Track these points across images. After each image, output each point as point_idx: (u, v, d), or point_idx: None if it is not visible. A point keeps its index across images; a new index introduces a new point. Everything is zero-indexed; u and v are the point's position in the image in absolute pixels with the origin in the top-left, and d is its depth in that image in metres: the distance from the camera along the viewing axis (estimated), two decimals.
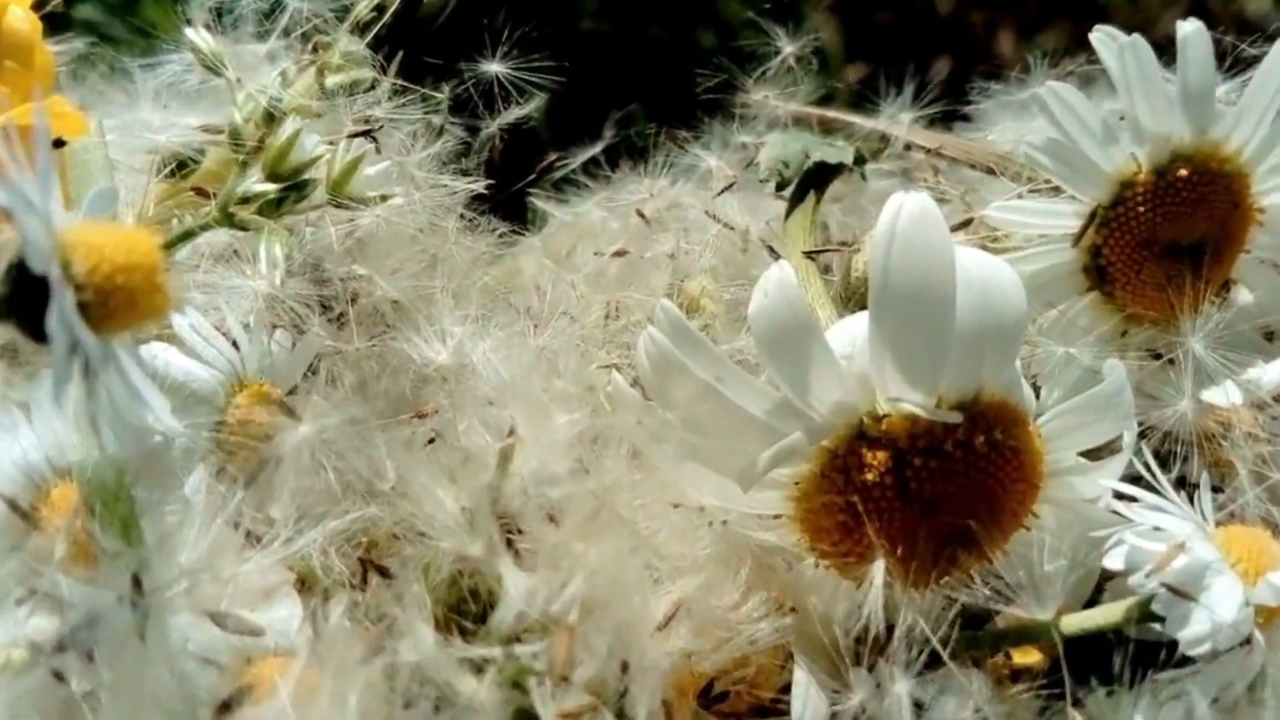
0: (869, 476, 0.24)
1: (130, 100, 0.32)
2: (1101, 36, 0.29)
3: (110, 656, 0.20)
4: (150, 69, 0.33)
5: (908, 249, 0.23)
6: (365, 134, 0.27)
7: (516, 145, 0.34)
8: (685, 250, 0.34)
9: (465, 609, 0.22)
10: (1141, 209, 0.30)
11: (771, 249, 0.33)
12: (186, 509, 0.23)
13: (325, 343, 0.26)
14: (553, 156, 0.35)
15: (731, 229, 0.32)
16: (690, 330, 0.25)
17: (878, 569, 0.23)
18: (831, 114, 0.37)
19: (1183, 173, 0.29)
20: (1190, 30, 0.29)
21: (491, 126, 0.33)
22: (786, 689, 0.25)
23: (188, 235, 0.27)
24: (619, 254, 0.33)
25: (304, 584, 0.23)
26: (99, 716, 0.20)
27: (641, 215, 0.35)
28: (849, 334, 0.25)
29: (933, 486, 0.24)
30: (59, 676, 0.20)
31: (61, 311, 0.17)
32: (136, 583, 0.20)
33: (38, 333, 0.18)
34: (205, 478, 0.23)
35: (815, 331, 0.24)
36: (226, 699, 0.20)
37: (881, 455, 0.24)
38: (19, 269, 0.18)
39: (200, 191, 0.29)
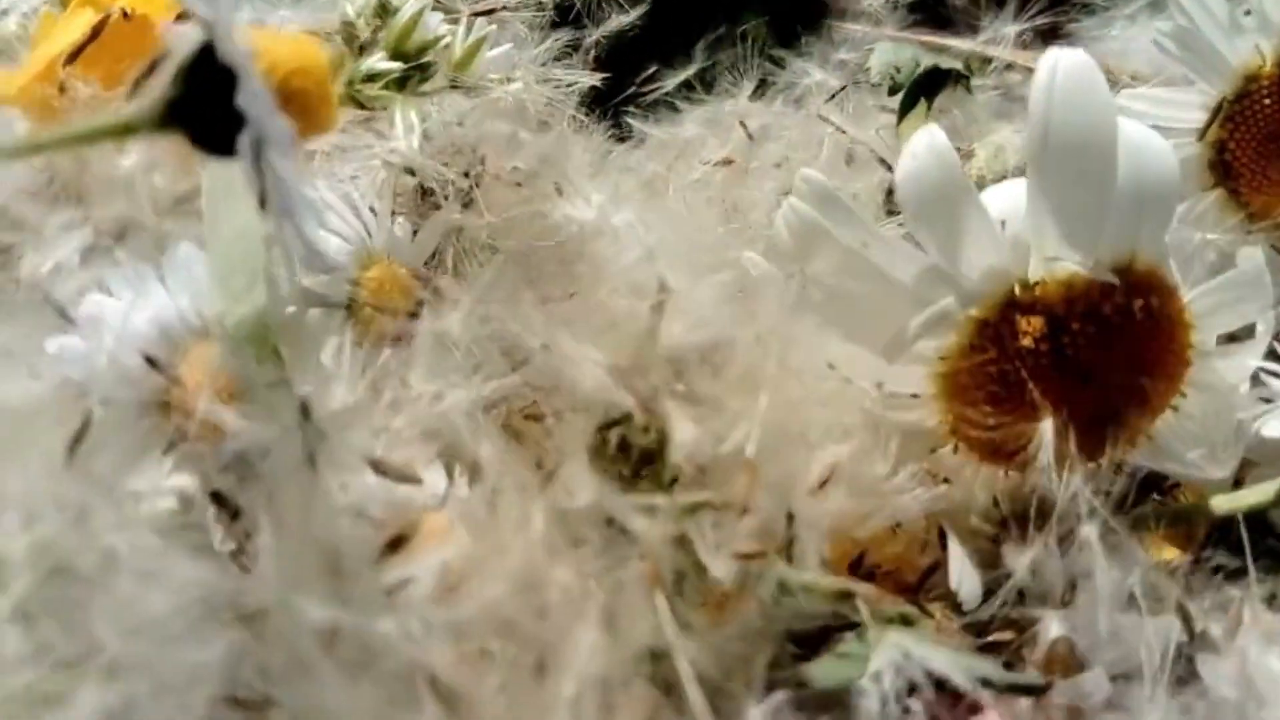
0: (1024, 343, 0.24)
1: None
2: None
3: (276, 490, 0.19)
4: None
5: (1068, 102, 0.23)
6: (489, 13, 0.27)
7: (616, 59, 0.33)
8: (790, 160, 0.33)
9: (618, 465, 0.22)
10: (1267, 102, 0.29)
11: (881, 159, 0.33)
12: (329, 370, 0.22)
13: (455, 218, 0.25)
14: (653, 68, 0.34)
15: (844, 132, 0.32)
16: (836, 196, 0.24)
17: (1047, 428, 0.22)
18: (928, 36, 0.37)
19: None
20: None
21: (595, 33, 0.33)
22: (928, 572, 0.24)
23: None
24: (725, 162, 0.33)
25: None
26: (259, 556, 0.19)
27: (744, 127, 0.34)
28: (995, 202, 0.25)
29: (1090, 354, 0.24)
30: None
31: (255, 98, 0.16)
32: (305, 410, 0.19)
33: (211, 138, 0.18)
34: (348, 341, 0.23)
35: (969, 191, 0.24)
36: (398, 534, 0.19)
37: (1037, 321, 0.24)
38: (194, 68, 0.17)
39: None
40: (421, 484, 0.20)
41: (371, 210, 0.25)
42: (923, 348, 0.24)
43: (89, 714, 0.16)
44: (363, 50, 0.28)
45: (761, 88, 0.36)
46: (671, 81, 0.36)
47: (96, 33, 0.27)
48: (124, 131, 0.18)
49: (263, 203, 0.18)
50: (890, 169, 0.32)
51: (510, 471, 0.19)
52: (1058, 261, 0.23)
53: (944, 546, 0.25)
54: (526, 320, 0.23)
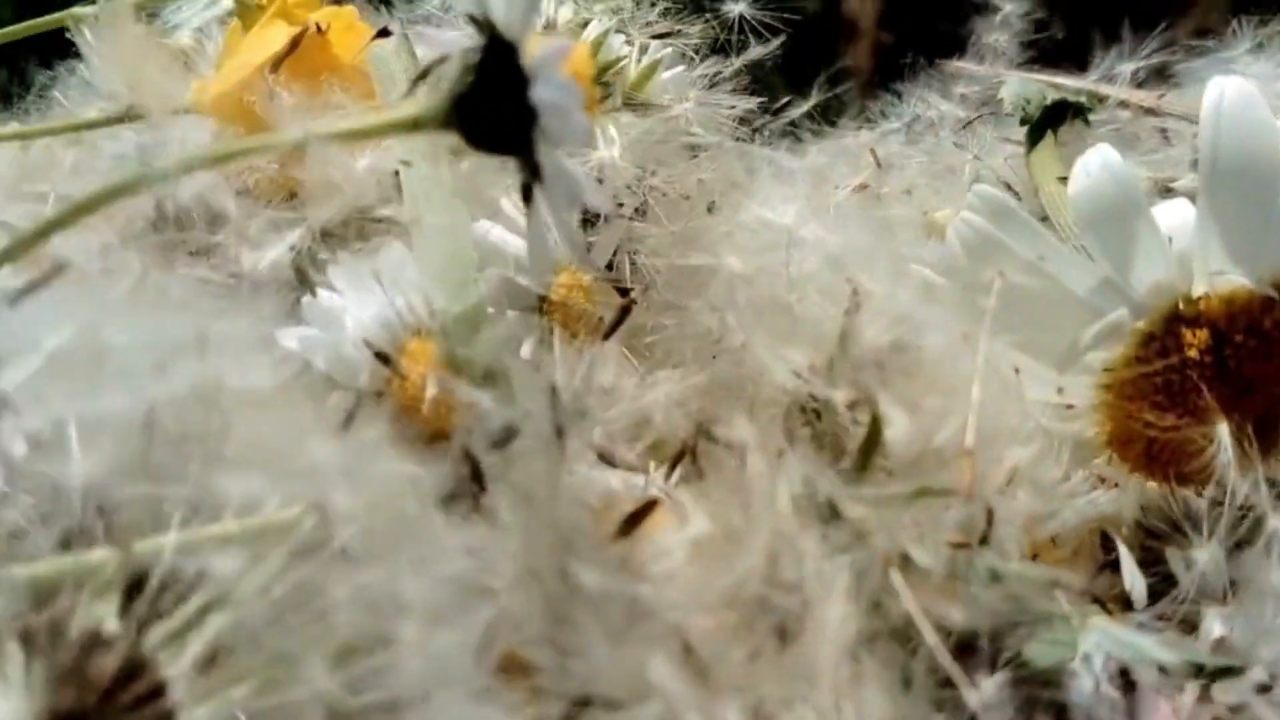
0: (1190, 354, 0.25)
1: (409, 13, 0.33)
2: None
3: (525, 468, 0.20)
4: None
5: (1234, 126, 0.24)
6: (665, 35, 0.28)
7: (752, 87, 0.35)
8: (919, 187, 0.34)
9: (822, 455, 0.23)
10: None
11: (1008, 184, 0.34)
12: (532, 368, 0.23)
13: (634, 225, 0.26)
14: (786, 98, 0.35)
15: (979, 160, 0.33)
16: (1014, 209, 0.25)
17: (1224, 431, 0.24)
18: (1043, 75, 0.38)
19: None
20: None
21: (735, 63, 0.34)
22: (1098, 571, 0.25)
23: None
24: (861, 188, 0.34)
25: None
26: (504, 534, 0.20)
27: (874, 155, 0.35)
28: (1163, 219, 0.26)
29: (1252, 366, 0.25)
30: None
31: (564, 95, 0.17)
32: (554, 394, 0.20)
33: (491, 135, 0.19)
34: (557, 340, 0.24)
35: (1143, 207, 0.25)
36: (634, 512, 0.20)
37: (1202, 334, 0.25)
38: (483, 68, 0.19)
39: None
40: (648, 473, 0.22)
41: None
42: (1089, 359, 0.26)
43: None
44: None
45: (883, 117, 0.38)
46: (797, 111, 0.37)
47: (295, 45, 0.28)
48: (410, 128, 0.19)
49: (527, 197, 0.19)
50: (1017, 195, 0.34)
51: (757, 451, 0.20)
52: (1222, 276, 0.25)
53: (1106, 549, 0.26)
54: (724, 320, 0.24)
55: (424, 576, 0.18)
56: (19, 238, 0.20)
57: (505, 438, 0.20)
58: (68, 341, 0.22)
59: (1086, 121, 0.36)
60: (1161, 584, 0.25)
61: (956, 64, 0.39)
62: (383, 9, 0.34)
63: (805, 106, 0.38)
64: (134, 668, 0.16)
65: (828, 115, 0.39)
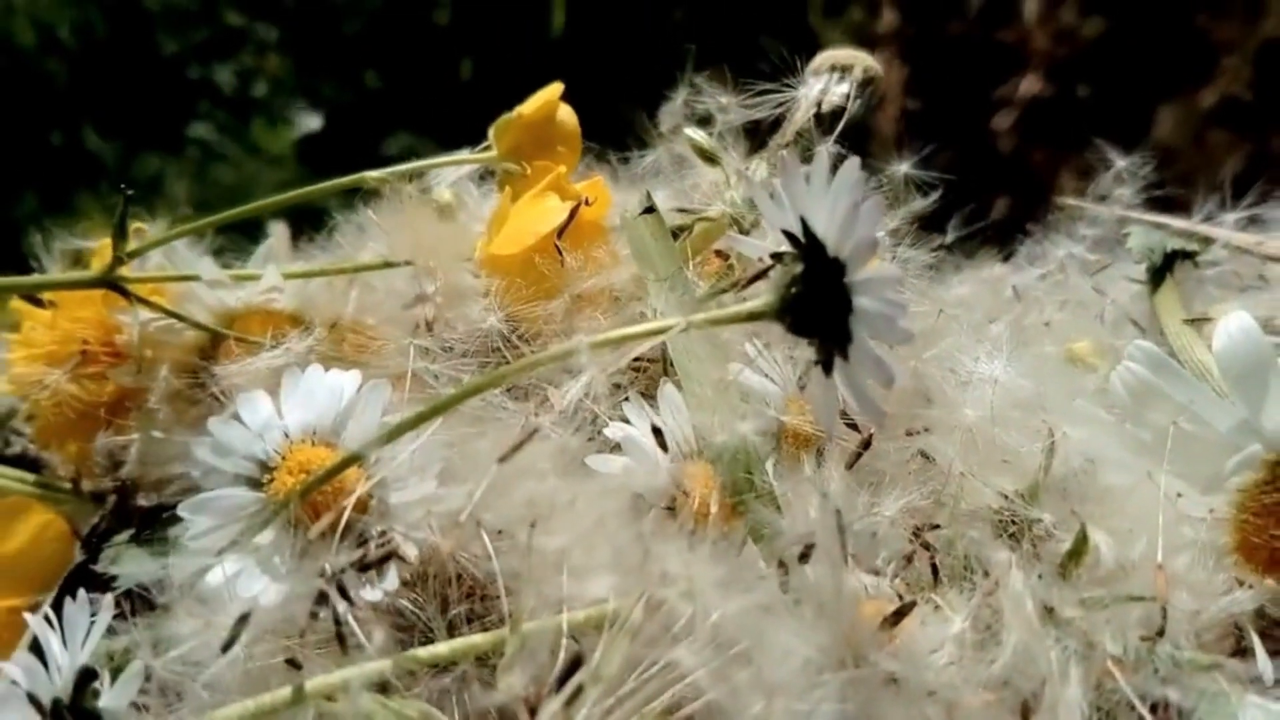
0: None
1: (616, 184, 0.40)
2: None
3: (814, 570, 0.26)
4: (628, 161, 0.41)
5: None
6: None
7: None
8: (1054, 321, 0.41)
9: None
10: None
11: (1134, 320, 0.40)
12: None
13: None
14: (938, 240, 0.42)
15: (1109, 299, 0.39)
16: (1169, 362, 0.32)
17: None
18: (1153, 217, 0.44)
19: None
20: None
21: (901, 213, 0.40)
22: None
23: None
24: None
25: None
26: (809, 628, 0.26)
27: (1014, 291, 0.42)
28: None
29: None
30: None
31: (891, 306, 0.23)
32: (839, 514, 0.26)
33: (811, 330, 0.25)
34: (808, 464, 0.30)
35: (1273, 362, 0.31)
36: (899, 608, 0.26)
37: None
38: (811, 281, 0.25)
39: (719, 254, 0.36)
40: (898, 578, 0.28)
41: None
42: (1230, 484, 0.32)
43: None
44: (745, 232, 0.36)
45: (1016, 256, 0.44)
46: (928, 249, 0.44)
47: (573, 215, 0.35)
48: (751, 318, 0.25)
49: (827, 369, 0.26)
50: (1142, 329, 0.40)
51: (1007, 568, 0.26)
52: None
53: (1239, 639, 0.32)
54: (939, 450, 0.31)
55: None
56: (403, 421, 0.27)
57: (805, 552, 0.26)
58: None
59: (1196, 264, 0.42)
60: None
61: (1077, 203, 0.46)
62: (605, 165, 0.41)
63: (948, 240, 0.44)
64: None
65: (966, 249, 0.45)
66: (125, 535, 0.35)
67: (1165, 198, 0.46)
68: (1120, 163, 0.45)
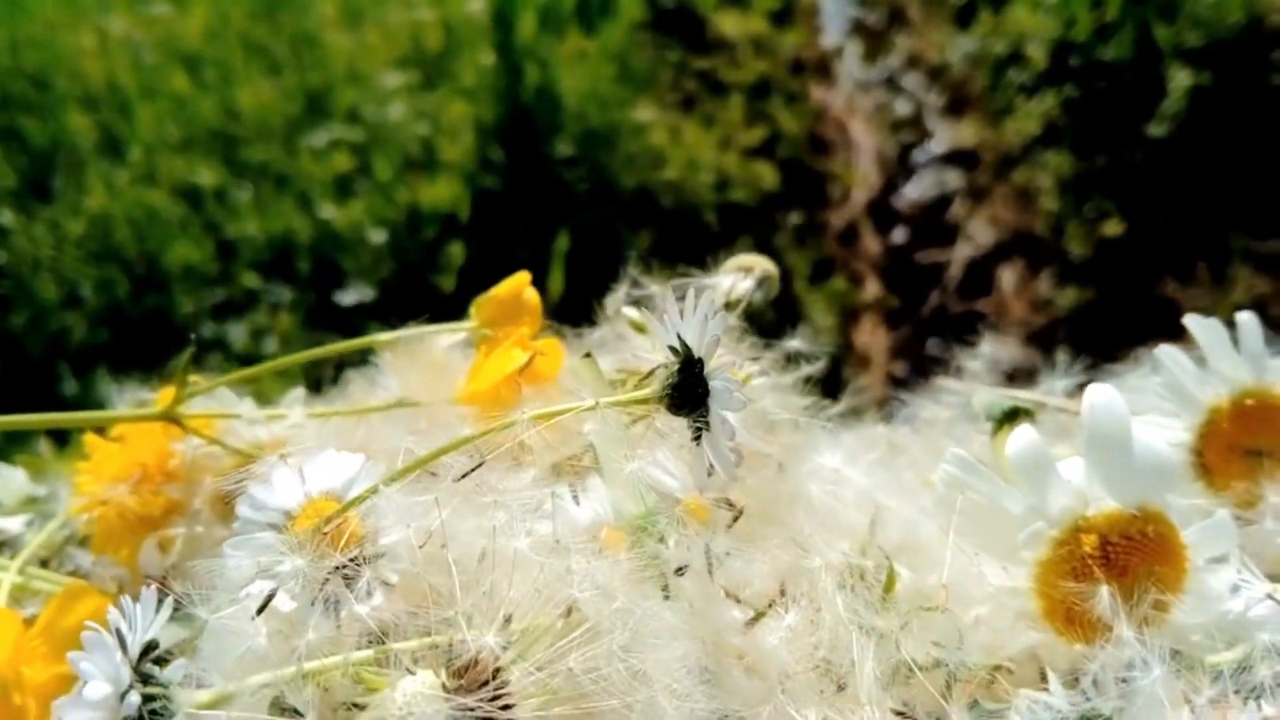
0: (1086, 549, 0.40)
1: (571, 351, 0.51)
2: (1191, 321, 0.48)
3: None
4: (581, 335, 0.52)
5: (1102, 415, 0.41)
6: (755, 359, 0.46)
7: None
8: (919, 463, 0.51)
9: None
10: (1225, 426, 0.47)
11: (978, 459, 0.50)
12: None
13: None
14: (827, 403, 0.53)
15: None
16: (974, 464, 0.42)
17: (1104, 591, 0.39)
18: (1004, 390, 0.55)
19: (1249, 403, 0.47)
20: (1246, 318, 0.48)
21: (789, 380, 0.52)
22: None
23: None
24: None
25: None
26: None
27: (887, 440, 0.52)
28: (1066, 469, 0.42)
29: (1125, 557, 0.40)
30: None
31: (731, 389, 0.34)
32: (707, 550, 0.36)
33: (683, 409, 0.36)
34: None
35: (1052, 464, 0.41)
36: (755, 615, 0.35)
37: (1093, 538, 0.41)
38: (683, 375, 0.36)
39: None
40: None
41: None
42: (1025, 556, 0.41)
43: None
44: None
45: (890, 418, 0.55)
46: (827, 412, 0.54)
47: (529, 362, 0.46)
48: (642, 403, 0.36)
49: (698, 439, 0.36)
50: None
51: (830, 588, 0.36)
52: (1103, 502, 0.41)
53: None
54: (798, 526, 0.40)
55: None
56: (387, 476, 0.37)
57: (680, 569, 0.35)
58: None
59: (1032, 420, 0.53)
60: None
61: (944, 381, 0.57)
62: (562, 338, 0.52)
63: (840, 408, 0.55)
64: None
65: (857, 414, 0.56)
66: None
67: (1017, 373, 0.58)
68: (986, 348, 0.56)
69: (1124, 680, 0.37)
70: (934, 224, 2.78)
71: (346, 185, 2.44)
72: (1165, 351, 0.47)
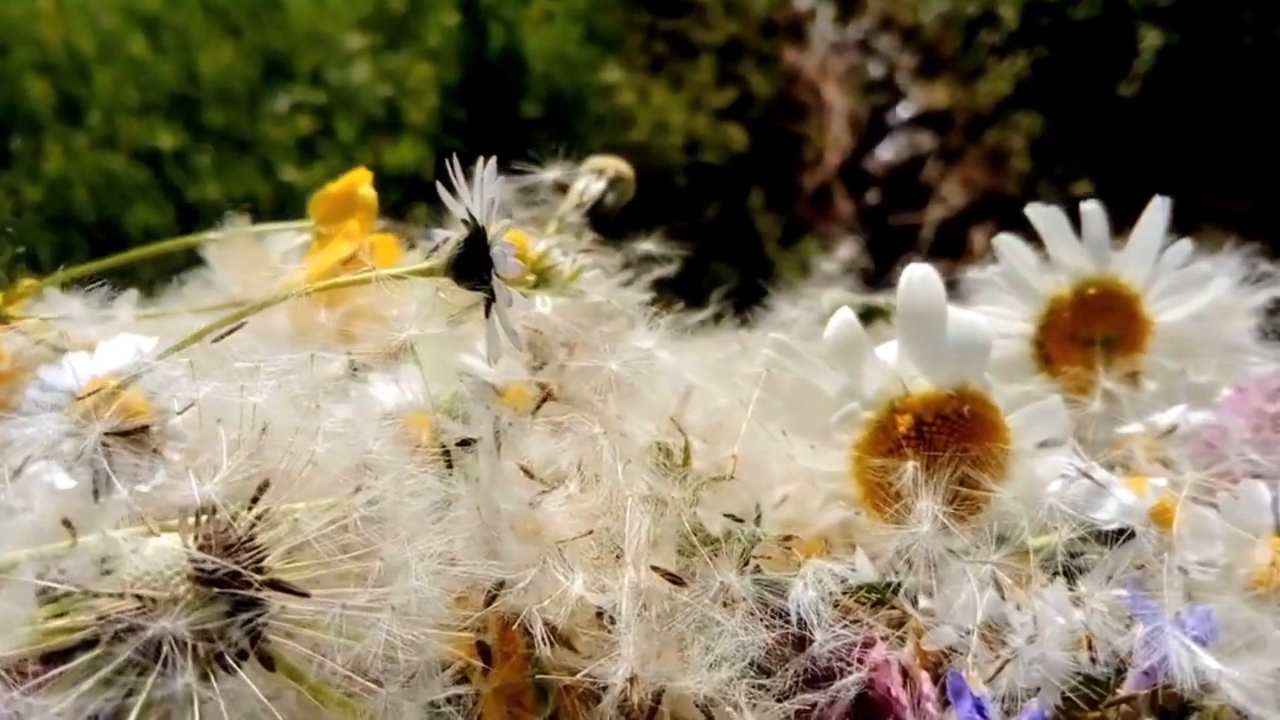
0: (901, 431, 0.40)
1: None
2: (1032, 210, 0.47)
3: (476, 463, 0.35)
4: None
5: (918, 293, 0.40)
6: (588, 251, 0.45)
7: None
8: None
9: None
10: (1066, 316, 0.47)
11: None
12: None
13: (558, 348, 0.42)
14: (681, 306, 0.52)
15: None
16: (791, 347, 0.41)
17: (909, 466, 0.38)
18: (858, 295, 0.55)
19: (1091, 292, 0.47)
20: (1090, 206, 0.47)
21: (642, 282, 0.51)
22: None
23: None
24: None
25: None
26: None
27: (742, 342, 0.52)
28: (883, 350, 0.42)
29: (941, 439, 0.40)
30: None
31: (506, 255, 0.34)
32: (496, 420, 0.35)
33: (468, 278, 0.35)
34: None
35: (867, 344, 0.41)
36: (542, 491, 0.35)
37: (907, 419, 0.40)
38: (468, 245, 0.35)
39: None
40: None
41: None
42: (840, 439, 0.41)
43: None
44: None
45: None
46: (696, 318, 0.53)
47: (351, 257, 0.45)
48: (428, 273, 0.35)
49: (488, 311, 0.35)
50: None
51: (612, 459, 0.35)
52: (917, 382, 0.40)
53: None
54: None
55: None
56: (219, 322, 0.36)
57: (465, 441, 0.35)
58: None
59: (888, 320, 0.52)
60: None
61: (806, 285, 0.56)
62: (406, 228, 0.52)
63: (702, 315, 0.54)
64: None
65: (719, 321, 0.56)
66: None
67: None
68: (843, 251, 0.56)
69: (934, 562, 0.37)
70: (907, 186, 2.77)
71: (309, 148, 2.42)
72: (1004, 241, 0.47)
